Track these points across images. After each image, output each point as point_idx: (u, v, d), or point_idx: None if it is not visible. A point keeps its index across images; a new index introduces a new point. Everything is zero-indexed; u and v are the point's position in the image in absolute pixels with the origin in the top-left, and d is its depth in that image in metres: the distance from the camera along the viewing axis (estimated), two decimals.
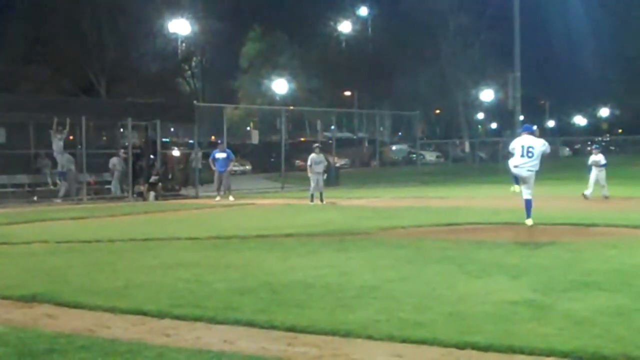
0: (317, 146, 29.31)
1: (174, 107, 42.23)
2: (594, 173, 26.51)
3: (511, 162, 16.90)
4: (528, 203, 16.72)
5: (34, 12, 54.76)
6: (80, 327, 7.77)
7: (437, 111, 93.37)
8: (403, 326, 7.44)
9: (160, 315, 8.24)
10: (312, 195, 27.92)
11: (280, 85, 73.21)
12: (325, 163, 29.51)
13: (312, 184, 28.08)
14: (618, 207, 22.60)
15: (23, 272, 11.54)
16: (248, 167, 57.54)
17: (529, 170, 16.70)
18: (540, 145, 16.84)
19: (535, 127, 18.02)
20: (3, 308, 8.87)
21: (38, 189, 31.63)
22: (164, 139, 37.08)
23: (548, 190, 28.88)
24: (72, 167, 31.26)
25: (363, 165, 60.27)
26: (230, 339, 7.26)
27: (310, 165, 28.15)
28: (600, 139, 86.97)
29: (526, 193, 16.81)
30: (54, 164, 31.52)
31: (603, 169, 26.51)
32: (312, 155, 28.38)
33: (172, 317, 8.14)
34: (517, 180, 17.04)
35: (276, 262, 12.07)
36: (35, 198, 30.77)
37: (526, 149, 16.70)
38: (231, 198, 30.43)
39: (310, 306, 8.50)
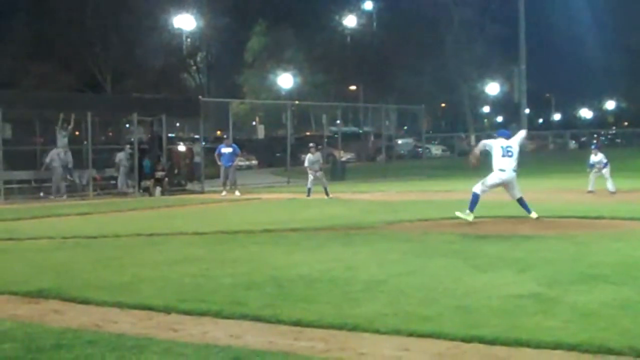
0: (313, 146, 29.26)
1: (180, 102, 42.34)
2: (596, 172, 26.26)
3: (496, 166, 16.59)
4: (522, 201, 16.61)
5: (38, 8, 54.83)
6: (87, 322, 7.78)
7: (443, 105, 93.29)
8: (410, 320, 7.44)
9: (166, 310, 8.25)
10: (309, 190, 28.02)
11: (285, 80, 73.14)
12: (321, 161, 29.50)
13: (310, 178, 28.21)
14: (624, 199, 22.57)
15: (29, 267, 11.58)
16: (254, 162, 57.54)
17: (514, 171, 16.52)
18: (516, 142, 16.74)
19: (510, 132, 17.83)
20: (10, 304, 8.89)
21: (44, 184, 31.65)
22: (169, 134, 37.09)
23: (554, 183, 28.87)
24: (59, 164, 31.09)
25: (369, 159, 60.24)
26: (236, 333, 7.27)
27: (308, 166, 28.31)
28: (605, 131, 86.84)
29: (515, 194, 16.65)
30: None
31: (606, 166, 26.29)
32: (309, 156, 28.44)
33: (178, 312, 8.15)
34: (474, 205, 16.63)
35: (282, 256, 12.08)
36: (41, 194, 30.82)
37: (506, 149, 16.56)
38: (237, 193, 30.46)
39: (317, 300, 8.50)
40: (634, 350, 6.29)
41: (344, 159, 48.15)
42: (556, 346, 6.47)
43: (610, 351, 6.32)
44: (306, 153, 29.13)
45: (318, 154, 28.94)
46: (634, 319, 7.37)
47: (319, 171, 28.37)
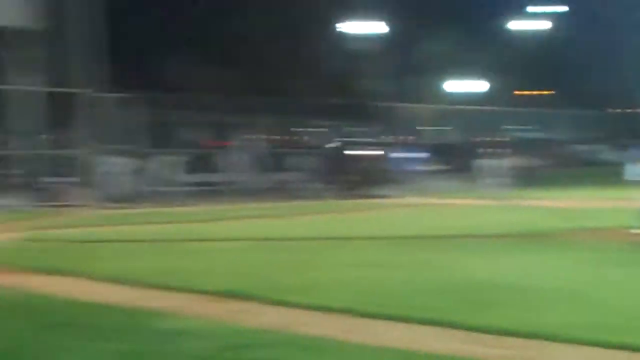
0: (495, 152, 28.86)
1: (360, 107, 42.65)
2: None
3: None
4: None
5: (206, 12, 55.97)
6: (275, 323, 7.96)
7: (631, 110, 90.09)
8: (597, 330, 7.26)
9: (346, 312, 8.36)
10: (492, 195, 27.60)
11: (462, 85, 72.42)
12: (505, 167, 29.04)
13: (492, 183, 27.88)
14: None
15: (218, 268, 11.93)
16: (439, 167, 57.17)
17: None
18: None
19: None
20: (201, 303, 9.19)
21: (227, 187, 32.42)
22: (352, 139, 37.46)
23: None
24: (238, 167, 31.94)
25: (555, 165, 58.88)
26: (415, 337, 7.30)
27: (487, 173, 28.00)
28: None
29: None
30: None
31: None
32: (484, 162, 28.12)
33: (357, 315, 8.24)
34: None
35: (461, 262, 12.00)
36: (225, 196, 31.61)
37: None
38: (420, 198, 30.31)
39: (498, 307, 8.44)
40: None
41: (528, 165, 47.32)
42: None
43: None
44: (490, 158, 28.84)
45: (501, 161, 28.62)
46: None
47: (501, 177, 28.02)
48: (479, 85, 73.76)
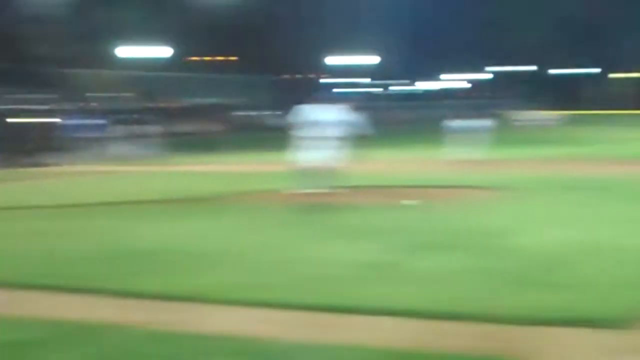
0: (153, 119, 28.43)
1: (33, 72, 41.17)
2: None
3: None
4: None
5: None
6: None
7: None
8: (257, 290, 7.59)
9: (13, 286, 8.18)
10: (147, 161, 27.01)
11: (143, 50, 71.51)
12: (147, 132, 28.59)
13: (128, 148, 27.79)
14: None
15: None
16: (116, 134, 55.64)
17: None
18: None
19: None
20: None
21: None
22: (21, 106, 35.99)
23: None
24: None
25: (223, 131, 59.14)
26: (57, 305, 7.40)
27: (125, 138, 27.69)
28: None
29: None
30: None
31: None
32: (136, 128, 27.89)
33: (29, 288, 8.09)
34: None
35: (123, 229, 12.03)
36: None
37: None
38: (86, 166, 29.13)
39: (157, 273, 8.57)
40: (466, 314, 6.57)
41: (200, 130, 47.10)
42: (389, 312, 6.70)
43: (444, 315, 6.57)
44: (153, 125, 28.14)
45: (146, 127, 27.99)
46: (472, 283, 7.72)
47: (145, 143, 27.39)
48: (161, 51, 73.12)
